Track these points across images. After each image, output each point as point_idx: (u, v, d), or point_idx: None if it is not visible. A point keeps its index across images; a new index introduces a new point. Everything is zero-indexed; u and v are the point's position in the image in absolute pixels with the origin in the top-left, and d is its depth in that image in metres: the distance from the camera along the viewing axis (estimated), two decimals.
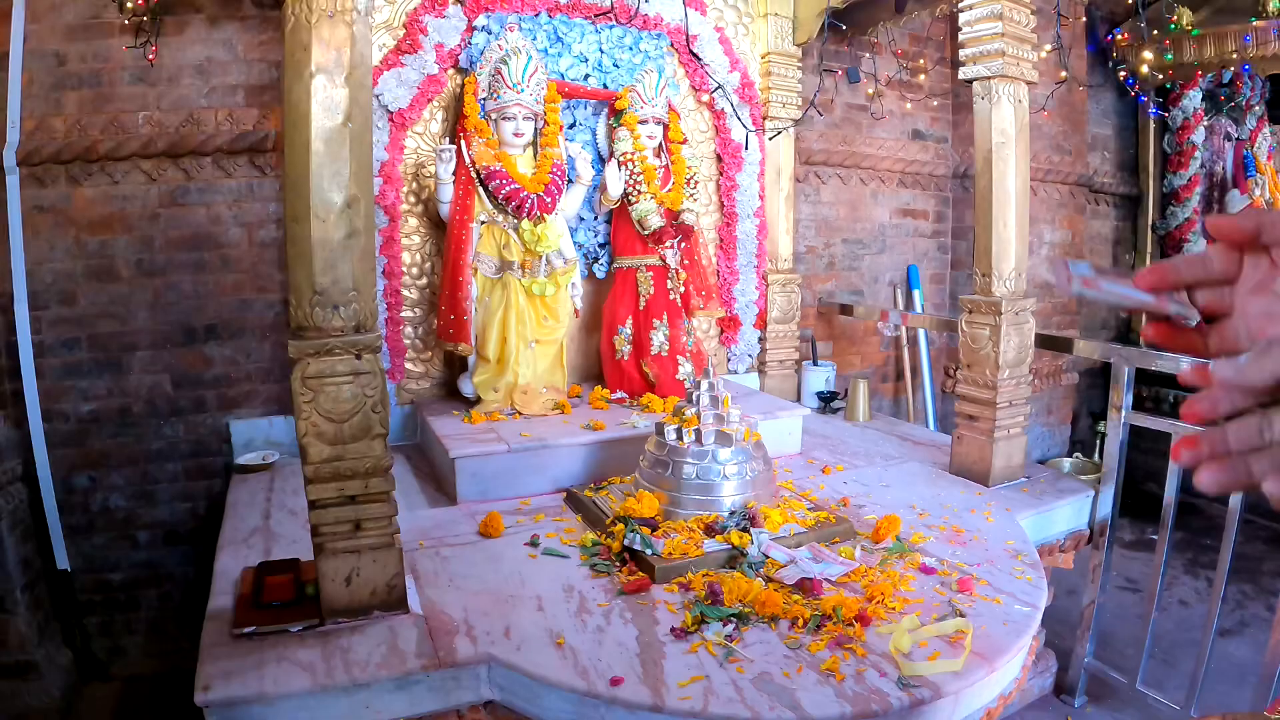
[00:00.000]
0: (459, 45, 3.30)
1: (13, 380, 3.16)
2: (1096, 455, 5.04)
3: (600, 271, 3.76)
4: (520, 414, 3.26)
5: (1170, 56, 4.94)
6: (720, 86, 3.59)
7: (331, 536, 2.06)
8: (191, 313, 3.32)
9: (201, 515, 3.42)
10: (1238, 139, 5.81)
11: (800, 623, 2.06)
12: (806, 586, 2.22)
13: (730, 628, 2.04)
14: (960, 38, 3.04)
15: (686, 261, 3.61)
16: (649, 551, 2.37)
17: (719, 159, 3.97)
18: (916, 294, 4.93)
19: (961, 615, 2.12)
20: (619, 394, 3.56)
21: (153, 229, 3.25)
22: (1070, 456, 5.05)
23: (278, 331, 3.40)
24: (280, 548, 2.57)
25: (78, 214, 3.18)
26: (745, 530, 2.45)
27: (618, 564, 2.40)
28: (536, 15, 3.39)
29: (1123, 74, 5.21)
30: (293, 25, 1.94)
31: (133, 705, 3.26)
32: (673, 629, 2.05)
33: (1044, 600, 2.26)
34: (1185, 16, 4.89)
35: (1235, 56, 4.85)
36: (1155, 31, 4.97)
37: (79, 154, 3.12)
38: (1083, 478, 3.71)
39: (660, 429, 2.71)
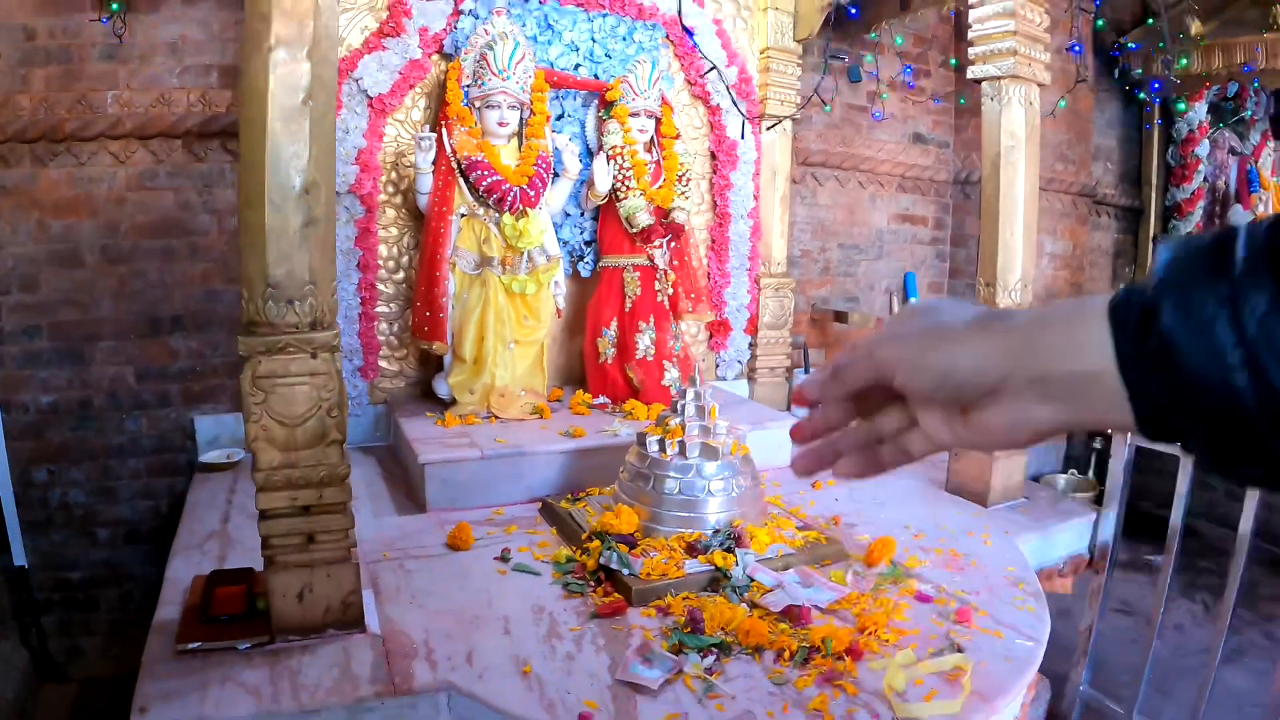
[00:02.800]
0: (444, 29, 3.11)
1: None
2: (1091, 472, 4.87)
3: (585, 270, 3.56)
4: (497, 418, 3.06)
5: (1185, 61, 4.77)
6: (715, 68, 3.38)
7: (282, 549, 1.88)
8: (157, 302, 3.13)
9: (164, 514, 3.23)
10: (1242, 153, 5.66)
11: (787, 655, 1.88)
12: (794, 614, 2.03)
13: (711, 659, 1.86)
14: (970, 35, 2.87)
15: (676, 262, 3.41)
16: (626, 571, 2.18)
17: (713, 156, 3.78)
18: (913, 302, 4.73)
19: (960, 650, 1.93)
20: (601, 399, 3.35)
21: (119, 214, 3.06)
22: (1065, 473, 4.87)
23: None
24: (236, 555, 2.38)
25: (42, 196, 2.99)
26: (730, 550, 2.26)
27: (592, 583, 2.21)
28: (526, 1, 3.18)
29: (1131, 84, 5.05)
30: None
31: (90, 708, 3.08)
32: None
33: (1046, 633, 2.10)
34: (1195, 27, 4.72)
35: (1244, 69, 4.70)
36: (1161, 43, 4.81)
37: (44, 133, 2.94)
38: (1079, 495, 3.55)
39: (642, 439, 2.51)
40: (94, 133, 2.97)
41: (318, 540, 1.90)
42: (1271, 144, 5.93)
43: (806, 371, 4.13)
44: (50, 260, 3.02)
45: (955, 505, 2.93)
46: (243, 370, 1.80)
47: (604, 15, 3.33)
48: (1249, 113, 5.65)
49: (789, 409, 4.02)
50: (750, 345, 3.98)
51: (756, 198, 3.85)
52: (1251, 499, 2.73)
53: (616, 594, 2.13)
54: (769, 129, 3.79)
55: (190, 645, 1.85)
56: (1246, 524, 2.71)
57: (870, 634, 1.96)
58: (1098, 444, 4.87)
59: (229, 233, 3.15)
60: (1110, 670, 3.17)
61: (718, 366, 3.93)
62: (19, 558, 3.08)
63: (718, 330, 3.86)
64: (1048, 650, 3.27)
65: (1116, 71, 5.13)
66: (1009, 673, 1.87)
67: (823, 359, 4.50)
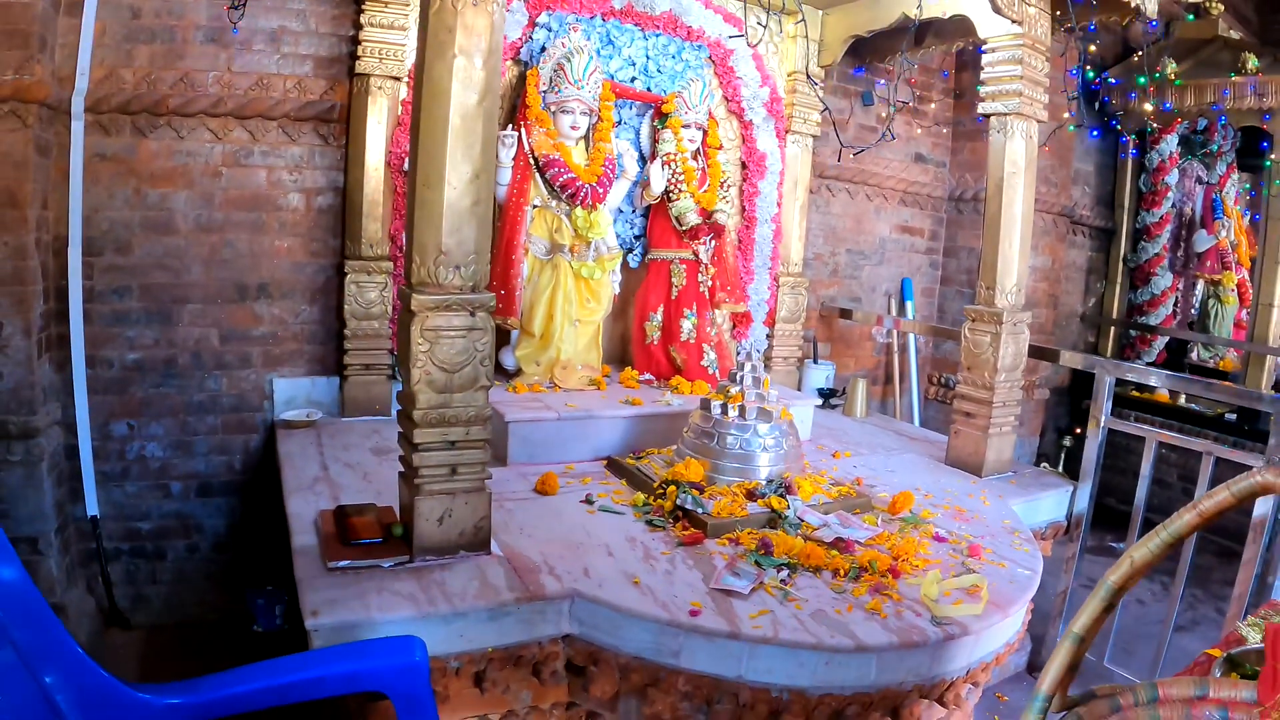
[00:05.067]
0: (520, 39, 3.64)
1: (59, 324, 3.32)
2: (1060, 466, 5.61)
3: (634, 261, 4.16)
4: (559, 387, 3.64)
5: (1165, 105, 5.58)
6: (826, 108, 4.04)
7: (430, 479, 2.34)
8: (245, 271, 3.57)
9: (237, 469, 3.68)
10: (1208, 183, 6.51)
11: (841, 573, 2.47)
12: (841, 545, 2.62)
13: (784, 574, 2.43)
14: (982, 75, 3.51)
15: (716, 258, 4.04)
16: (700, 510, 2.75)
17: (744, 166, 4.38)
18: (909, 305, 5.45)
19: (975, 573, 2.55)
20: (647, 375, 3.97)
21: (213, 186, 3.49)
22: (1038, 466, 5.60)
23: (327, 295, 3.69)
24: (345, 495, 2.82)
25: (140, 165, 3.38)
26: (782, 496, 2.86)
27: (671, 521, 2.77)
28: (592, 18, 3.75)
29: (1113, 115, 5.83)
30: (438, 8, 2.21)
31: (154, 654, 3.43)
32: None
33: (1040, 567, 2.69)
34: (1170, 66, 5.53)
35: (1213, 107, 5.50)
36: (1142, 77, 5.59)
37: (147, 106, 3.33)
38: None
39: (706, 404, 3.11)
40: (195, 110, 3.39)
41: (459, 472, 2.36)
42: (1236, 175, 6.82)
43: (815, 362, 4.80)
44: (144, 226, 3.42)
45: (955, 475, 3.60)
46: (411, 323, 2.26)
47: (657, 35, 3.93)
48: (1216, 146, 6.51)
49: (799, 389, 4.68)
50: (768, 336, 4.60)
51: (779, 205, 4.47)
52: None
53: (693, 529, 2.69)
54: (856, 155, 4.45)
55: (341, 564, 2.27)
56: None
57: (904, 560, 2.56)
58: (1068, 442, 5.63)
59: (316, 210, 3.63)
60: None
61: (738, 353, 4.53)
62: (92, 508, 3.44)
63: (740, 321, 4.46)
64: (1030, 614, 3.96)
65: (1097, 104, 5.93)
66: (1015, 590, 2.48)
67: (829, 352, 5.20)
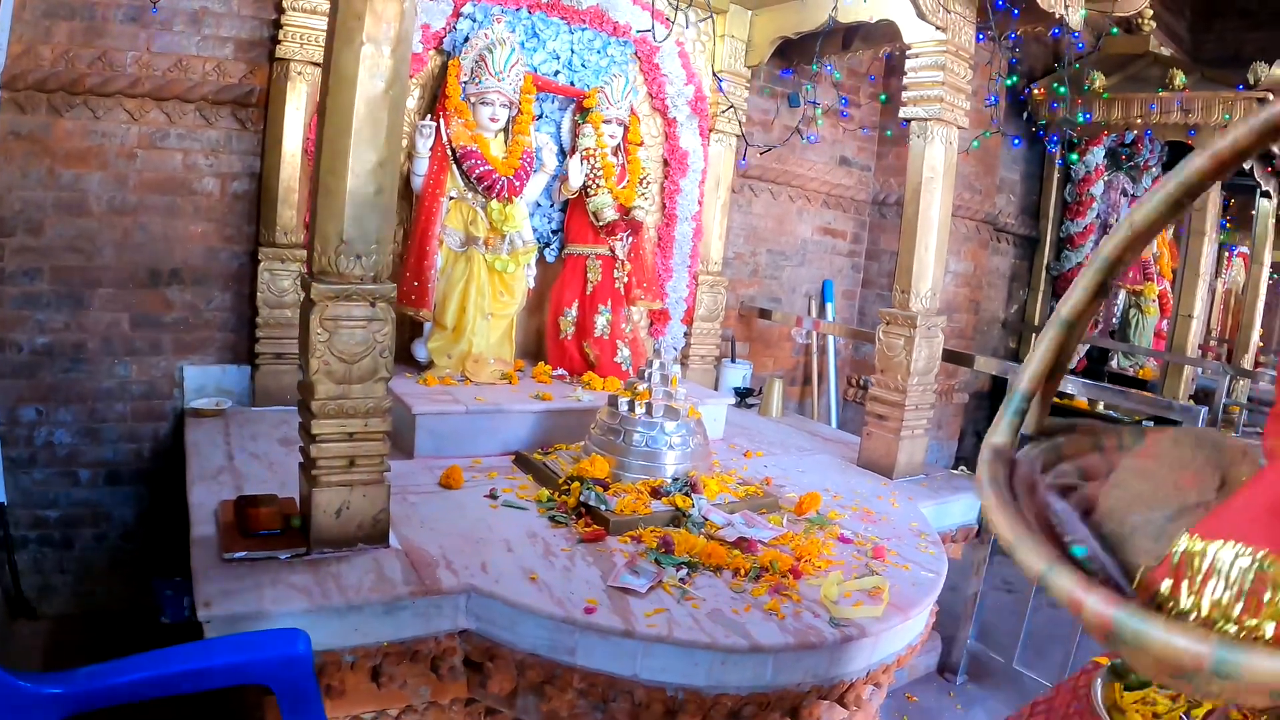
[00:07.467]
0: (444, 29, 3.57)
1: None
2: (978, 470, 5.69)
3: (550, 256, 4.12)
4: (470, 381, 3.59)
5: (1083, 119, 5.68)
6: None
7: (327, 470, 2.29)
8: (158, 255, 3.46)
9: (146, 457, 3.57)
10: (1133, 195, 6.64)
11: (742, 572, 2.45)
12: (744, 544, 2.61)
13: (683, 573, 2.42)
14: (904, 81, 3.54)
15: (633, 255, 4.03)
16: (603, 507, 2.73)
17: (666, 164, 4.36)
18: (829, 306, 5.49)
19: (878, 574, 2.56)
20: (560, 371, 3.93)
21: (128, 169, 3.38)
22: (956, 469, 5.67)
23: (240, 282, 3.59)
24: (249, 486, 2.75)
25: (55, 144, 3.26)
26: (687, 495, 2.85)
27: (574, 517, 2.74)
28: (518, 9, 3.70)
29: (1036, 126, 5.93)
30: None
31: (61, 644, 3.35)
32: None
33: (945, 569, 2.72)
34: (1099, 80, 5.62)
35: (1140, 121, 5.62)
36: (1062, 88, 5.69)
37: (64, 85, 3.20)
38: None
39: (614, 400, 3.09)
40: (112, 90, 3.26)
41: (358, 464, 2.31)
42: None
43: (733, 361, 4.81)
44: (57, 207, 3.29)
45: (866, 476, 3.62)
46: (310, 313, 2.21)
47: (583, 29, 3.89)
48: (1142, 159, 6.64)
49: (716, 389, 4.68)
50: (685, 334, 4.58)
51: (700, 203, 4.45)
52: None
53: (596, 525, 2.66)
54: (761, 153, 4.39)
55: (237, 555, 2.21)
56: None
57: (806, 561, 2.56)
58: None
59: (231, 196, 3.54)
60: (996, 637, 3.90)
61: (656, 352, 4.53)
62: (0, 495, 3.31)
63: (658, 318, 4.45)
64: (941, 616, 4.02)
65: (1025, 114, 6.02)
66: (918, 593, 2.50)
67: (747, 352, 5.22)
